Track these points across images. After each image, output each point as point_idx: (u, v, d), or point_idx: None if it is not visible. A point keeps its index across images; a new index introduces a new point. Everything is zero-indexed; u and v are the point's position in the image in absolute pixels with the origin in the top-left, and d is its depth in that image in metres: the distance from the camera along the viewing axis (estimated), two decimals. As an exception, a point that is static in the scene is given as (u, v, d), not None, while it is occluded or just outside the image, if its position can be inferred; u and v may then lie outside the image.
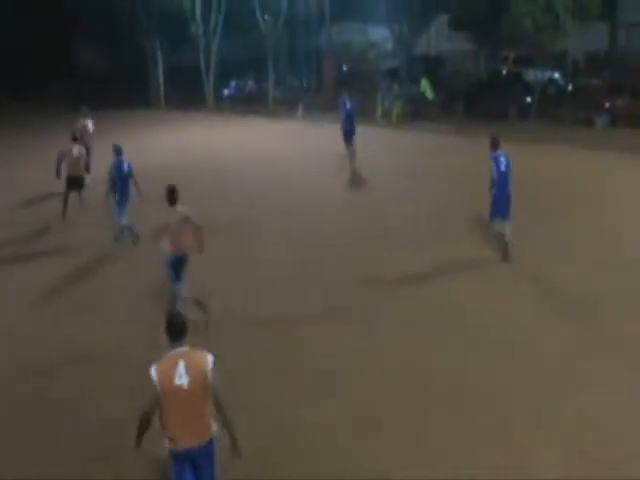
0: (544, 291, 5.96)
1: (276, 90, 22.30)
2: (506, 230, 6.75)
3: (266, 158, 13.05)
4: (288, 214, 8.76)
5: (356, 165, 11.44)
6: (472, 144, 13.54)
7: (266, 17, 21.39)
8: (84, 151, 9.31)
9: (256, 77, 23.41)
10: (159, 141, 16.25)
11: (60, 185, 8.68)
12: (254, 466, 3.50)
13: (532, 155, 12.24)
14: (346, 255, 6.98)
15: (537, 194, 9.17)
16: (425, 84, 18.15)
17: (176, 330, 3.04)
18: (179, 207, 5.26)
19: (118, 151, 7.64)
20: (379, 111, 17.92)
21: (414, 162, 12.25)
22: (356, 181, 10.85)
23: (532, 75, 17.89)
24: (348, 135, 11.60)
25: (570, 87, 18.79)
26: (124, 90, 22.59)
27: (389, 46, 21.32)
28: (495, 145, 6.85)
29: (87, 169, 9.35)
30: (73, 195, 8.64)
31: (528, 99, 17.07)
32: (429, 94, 18.17)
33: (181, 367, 2.93)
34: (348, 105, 11.82)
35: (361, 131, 16.05)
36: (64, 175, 8.66)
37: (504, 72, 19.46)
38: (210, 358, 3.02)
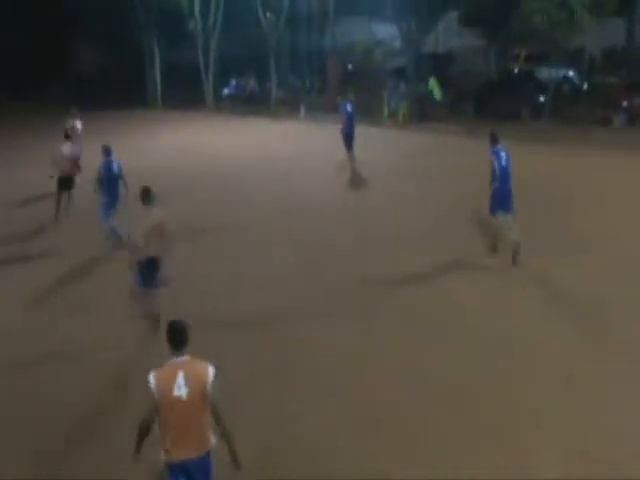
0: (547, 292, 6.20)
1: (278, 90, 22.68)
2: (512, 229, 6.96)
3: (267, 159, 13.36)
4: (289, 215, 9.07)
5: (356, 166, 11.76)
6: (481, 145, 13.55)
7: (267, 14, 21.80)
8: (77, 149, 9.61)
9: (257, 76, 23.79)
10: (156, 142, 16.62)
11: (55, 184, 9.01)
12: (254, 466, 3.70)
13: (546, 156, 12.49)
14: (347, 255, 7.29)
15: (550, 195, 9.42)
16: (433, 83, 18.43)
17: (177, 338, 3.08)
18: (155, 209, 5.46)
19: (107, 151, 7.82)
20: (385, 111, 18.25)
21: (419, 163, 12.54)
22: (358, 182, 11.15)
23: (545, 73, 18.10)
24: (349, 139, 11.91)
25: (586, 85, 18.83)
26: (122, 90, 22.98)
27: (396, 44, 21.67)
28: (494, 140, 7.12)
29: (78, 168, 9.64)
30: (66, 195, 9.01)
31: (541, 98, 17.28)
32: (437, 93, 18.45)
33: (180, 378, 2.98)
34: (349, 108, 12.12)
35: (366, 132, 16.49)
36: (56, 175, 8.96)
37: (516, 70, 19.63)
38: (211, 370, 3.05)
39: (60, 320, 5.85)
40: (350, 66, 22.08)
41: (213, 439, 3.08)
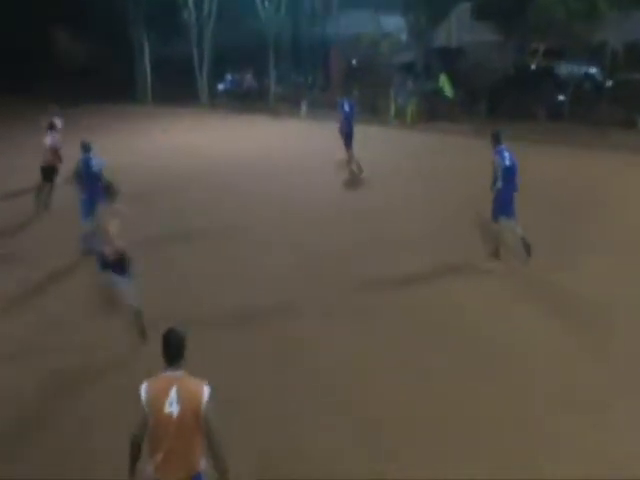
0: (551, 294, 6.68)
1: (277, 86, 23.17)
2: (517, 229, 7.41)
3: (266, 159, 13.84)
4: (288, 216, 9.59)
5: (353, 166, 12.25)
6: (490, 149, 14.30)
7: (266, 4, 22.35)
8: (58, 138, 10.19)
9: (255, 71, 24.33)
10: (147, 139, 17.14)
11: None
12: (254, 466, 4.13)
13: (564, 159, 12.81)
14: (347, 256, 7.82)
15: (565, 200, 9.87)
16: (444, 80, 18.78)
17: (171, 351, 3.13)
18: (117, 205, 5.90)
19: (86, 148, 8.06)
20: (392, 110, 18.69)
21: (425, 164, 13.03)
22: (358, 183, 11.69)
23: (565, 69, 18.55)
24: (348, 138, 12.34)
25: (608, 83, 18.92)
26: (109, 84, 23.47)
27: (404, 37, 22.27)
28: (497, 139, 7.49)
29: (59, 159, 10.16)
30: (48, 187, 9.59)
31: (560, 97, 17.65)
32: (448, 91, 18.84)
33: (173, 394, 3.03)
34: (347, 107, 12.55)
35: (371, 131, 17.05)
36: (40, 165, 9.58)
37: (533, 66, 19.88)
38: (206, 390, 3.08)
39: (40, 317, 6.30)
40: (354, 61, 22.56)
41: (204, 463, 3.13)
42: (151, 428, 3.07)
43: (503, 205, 7.41)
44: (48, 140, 9.89)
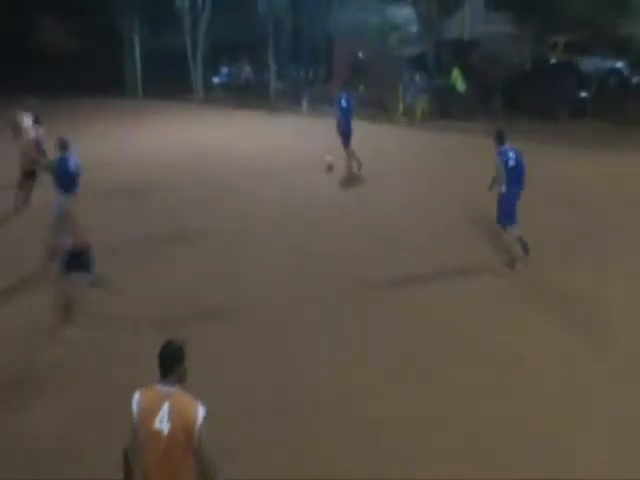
0: (554, 297, 7.01)
1: (277, 80, 23.62)
2: (514, 231, 7.64)
3: (265, 158, 14.17)
4: (287, 217, 9.98)
5: (353, 165, 12.60)
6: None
7: (266, -9, 22.72)
8: (41, 132, 10.53)
9: (253, 63, 24.66)
10: (137, 135, 17.55)
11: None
12: (254, 466, 4.40)
13: (587, 161, 12.94)
14: (348, 256, 8.23)
15: (586, 205, 10.15)
16: (456, 75, 19.12)
17: (165, 363, 3.19)
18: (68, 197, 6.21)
19: (63, 145, 7.99)
20: (400, 107, 19.01)
21: (433, 165, 13.37)
22: (362, 183, 12.05)
23: (588, 64, 18.68)
24: (346, 137, 12.60)
25: (636, 79, 18.84)
26: (97, 75, 23.94)
27: (413, 29, 22.51)
28: (500, 139, 7.68)
29: (43, 154, 10.50)
30: (30, 183, 9.91)
31: (583, 93, 17.81)
32: (461, 87, 19.16)
33: (165, 409, 3.08)
34: (344, 102, 12.81)
35: (378, 130, 17.38)
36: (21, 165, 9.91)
37: (553, 61, 20.02)
38: (201, 411, 3.10)
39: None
40: (360, 54, 22.87)
41: None
42: (139, 442, 3.12)
43: (508, 211, 7.62)
44: (32, 134, 10.14)
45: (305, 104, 20.64)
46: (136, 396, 3.19)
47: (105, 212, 10.14)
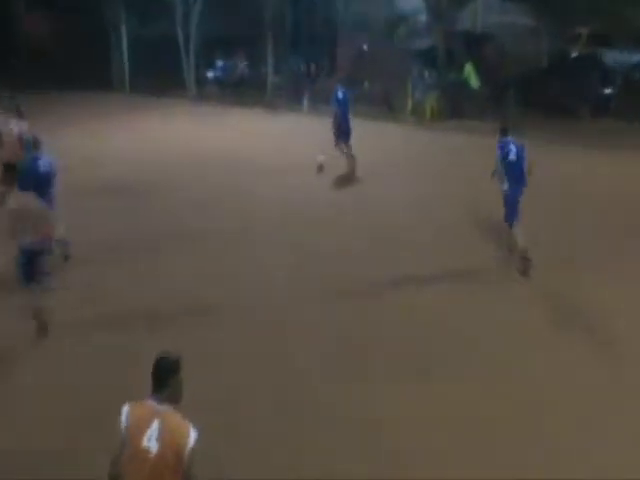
0: (558, 301, 7.69)
1: (275, 75, 24.06)
2: (518, 232, 8.22)
3: (263, 158, 14.85)
4: (286, 218, 10.75)
5: (354, 166, 13.27)
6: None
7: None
8: (24, 125, 11.17)
9: (249, 57, 25.25)
10: (123, 134, 18.23)
11: None
12: (254, 466, 4.99)
13: (610, 164, 13.50)
14: (350, 257, 8.99)
15: (608, 210, 10.78)
16: (469, 70, 19.60)
17: (158, 376, 3.35)
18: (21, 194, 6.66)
19: (35, 144, 8.27)
20: (409, 104, 19.49)
21: (443, 166, 14.02)
22: (365, 184, 12.79)
23: (613, 58, 19.13)
24: (345, 134, 13.18)
25: None
26: (79, 69, 24.53)
27: (423, 20, 23.14)
28: (503, 131, 8.28)
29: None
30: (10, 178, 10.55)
31: (607, 90, 18.20)
32: (474, 83, 19.71)
33: (154, 428, 3.24)
34: (341, 94, 13.40)
35: (384, 129, 18.00)
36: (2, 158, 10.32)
37: (574, 54, 20.41)
38: (193, 434, 3.26)
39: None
40: (365, 47, 23.45)
41: None
42: (124, 459, 3.27)
43: (512, 207, 8.21)
44: (15, 128, 10.79)
45: (306, 102, 21.08)
46: (125, 410, 3.37)
47: (97, 211, 10.99)
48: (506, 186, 8.19)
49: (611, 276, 8.24)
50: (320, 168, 13.42)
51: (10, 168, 10.65)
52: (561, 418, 5.58)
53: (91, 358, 6.52)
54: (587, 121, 17.33)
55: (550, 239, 9.37)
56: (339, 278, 8.33)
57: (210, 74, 26.14)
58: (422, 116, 19.20)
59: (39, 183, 8.15)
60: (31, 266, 6.73)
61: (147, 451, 3.23)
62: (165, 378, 3.38)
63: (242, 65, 25.40)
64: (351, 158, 13.30)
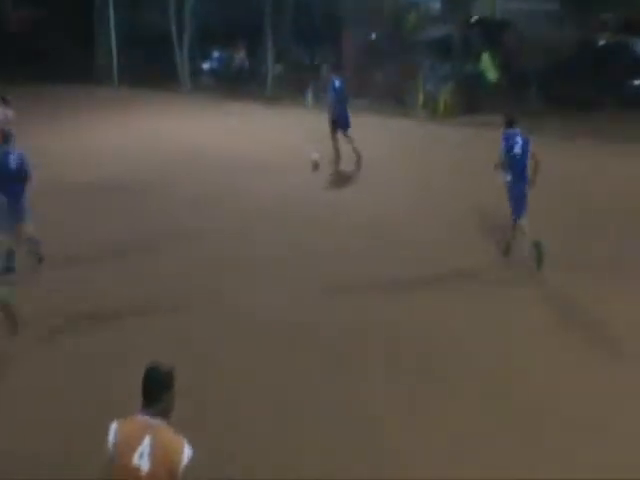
0: (563, 305, 8.33)
1: (276, 66, 24.52)
2: (525, 230, 8.78)
3: (261, 157, 15.43)
4: (287, 217, 11.50)
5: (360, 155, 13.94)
6: (544, 144, 15.61)
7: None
8: (10, 114, 11.84)
9: (248, 47, 25.80)
10: (112, 132, 18.85)
11: None
12: (254, 466, 5.50)
13: (633, 162, 14.05)
14: (348, 256, 9.71)
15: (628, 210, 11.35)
16: (486, 60, 20.08)
17: (149, 389, 3.46)
18: None
19: (6, 139, 8.70)
20: (420, 98, 19.95)
21: (455, 163, 14.64)
22: (367, 182, 13.50)
23: (645, 47, 19.61)
24: (344, 124, 13.84)
25: None
26: (61, 60, 25.18)
27: (436, 7, 23.68)
28: (508, 122, 8.80)
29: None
30: None
31: (637, 81, 18.81)
32: (492, 75, 20.20)
33: (146, 444, 3.35)
34: (338, 82, 14.07)
35: (393, 125, 18.53)
36: None
37: (602, 43, 20.64)
38: (187, 451, 3.39)
39: None
40: (374, 35, 24.01)
41: None
42: (114, 478, 3.41)
43: (517, 203, 8.75)
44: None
45: (310, 96, 21.55)
46: (113, 427, 3.48)
47: (89, 210, 11.69)
48: (509, 178, 8.72)
49: (618, 278, 8.87)
50: (315, 166, 14.11)
51: None
52: (562, 417, 6.13)
53: (78, 358, 7.19)
54: (615, 114, 17.59)
55: (561, 239, 9.98)
56: (338, 277, 9.02)
57: (206, 66, 26.55)
58: (435, 111, 19.66)
59: (9, 179, 8.58)
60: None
61: (138, 469, 3.34)
62: (158, 392, 3.49)
63: (240, 56, 25.78)
64: (353, 145, 13.99)
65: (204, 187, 13.26)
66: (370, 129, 17.04)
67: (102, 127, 19.33)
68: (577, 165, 14.28)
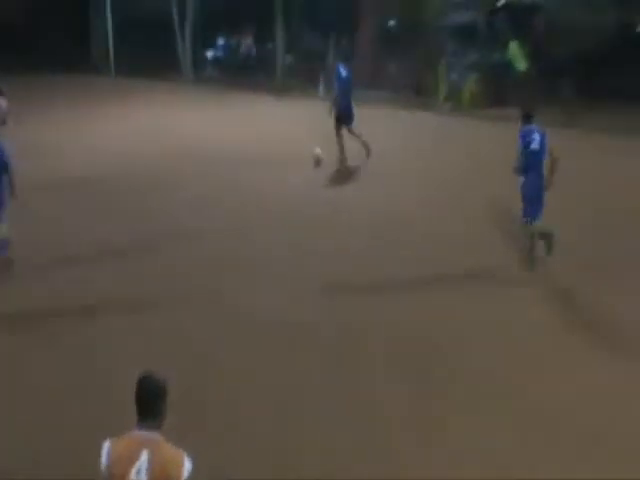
0: (575, 315, 8.90)
1: (287, 55, 25.08)
2: (535, 229, 9.39)
3: (266, 154, 16.15)
4: (290, 218, 12.23)
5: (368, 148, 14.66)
6: (580, 141, 16.26)
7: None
8: (4, 104, 12.76)
9: (256, 34, 26.40)
10: (108, 126, 19.66)
11: None
12: (254, 466, 6.18)
13: None
14: (353, 257, 10.49)
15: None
16: (514, 48, 20.45)
17: (145, 400, 3.65)
18: None
19: None
20: (443, 89, 20.60)
21: (474, 160, 15.20)
22: (377, 181, 14.21)
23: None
24: (348, 117, 14.38)
25: None
26: (54, 47, 25.94)
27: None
28: (527, 118, 9.18)
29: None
30: None
31: None
32: (521, 64, 20.53)
33: (143, 460, 3.51)
34: (344, 72, 14.52)
35: (413, 119, 19.12)
36: None
37: None
38: (187, 463, 3.59)
39: None
40: (392, 22, 24.66)
41: None
42: None
43: (532, 202, 9.27)
44: None
45: (322, 86, 22.03)
46: (106, 446, 3.66)
47: (84, 210, 12.56)
48: (525, 177, 9.22)
49: (627, 278, 9.54)
50: (317, 162, 14.78)
51: None
52: (562, 417, 6.74)
53: (78, 358, 7.88)
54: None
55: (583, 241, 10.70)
56: (339, 276, 9.78)
57: (210, 54, 27.19)
58: (459, 103, 20.28)
59: None
60: None
61: None
62: (155, 404, 3.70)
63: (247, 43, 26.33)
64: (359, 138, 14.65)
65: (205, 184, 14.07)
66: (388, 123, 17.76)
67: (99, 120, 20.17)
68: (614, 163, 14.87)
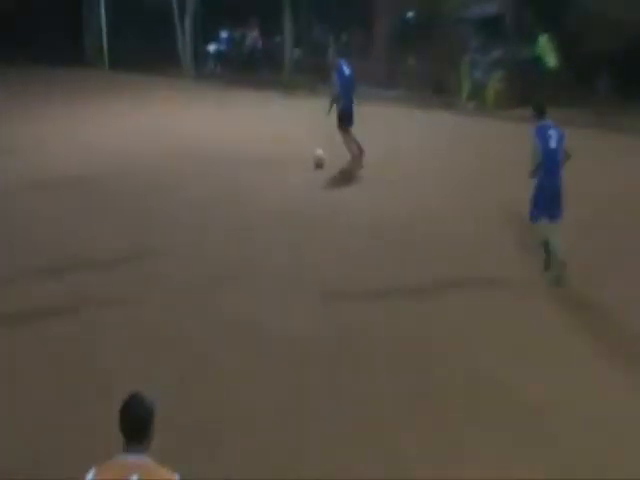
0: (584, 323, 9.60)
1: (295, 49, 25.68)
2: (556, 244, 9.85)
3: (269, 155, 16.97)
4: (291, 220, 13.16)
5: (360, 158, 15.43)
6: (615, 143, 16.98)
7: None
8: None
9: (262, 27, 26.95)
10: (104, 125, 20.54)
11: None
12: (254, 466, 6.92)
13: None
14: (348, 256, 11.42)
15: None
16: (544, 44, 20.90)
17: (132, 424, 3.81)
18: None
19: None
20: (466, 87, 21.17)
21: (494, 164, 15.95)
22: (387, 185, 15.01)
23: None
24: (348, 118, 14.99)
25: None
26: (45, 40, 26.80)
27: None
28: (540, 112, 9.45)
29: None
30: None
31: None
32: (551, 60, 20.93)
33: None
34: (347, 69, 15.13)
35: (432, 120, 19.83)
36: None
37: None
38: None
39: None
40: (410, 14, 24.81)
41: None
42: None
43: (544, 201, 9.62)
44: None
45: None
46: (91, 473, 3.86)
47: (79, 210, 13.55)
48: (541, 175, 9.49)
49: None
50: (319, 164, 15.53)
51: None
52: (563, 417, 7.50)
53: (78, 358, 8.71)
54: None
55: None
56: (340, 280, 10.65)
57: (212, 48, 27.77)
58: (483, 102, 20.89)
59: None
60: None
61: None
62: (144, 427, 3.91)
63: (253, 37, 26.85)
64: (356, 145, 15.32)
65: (205, 184, 15.02)
66: (407, 124, 18.53)
67: (91, 118, 21.14)
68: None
